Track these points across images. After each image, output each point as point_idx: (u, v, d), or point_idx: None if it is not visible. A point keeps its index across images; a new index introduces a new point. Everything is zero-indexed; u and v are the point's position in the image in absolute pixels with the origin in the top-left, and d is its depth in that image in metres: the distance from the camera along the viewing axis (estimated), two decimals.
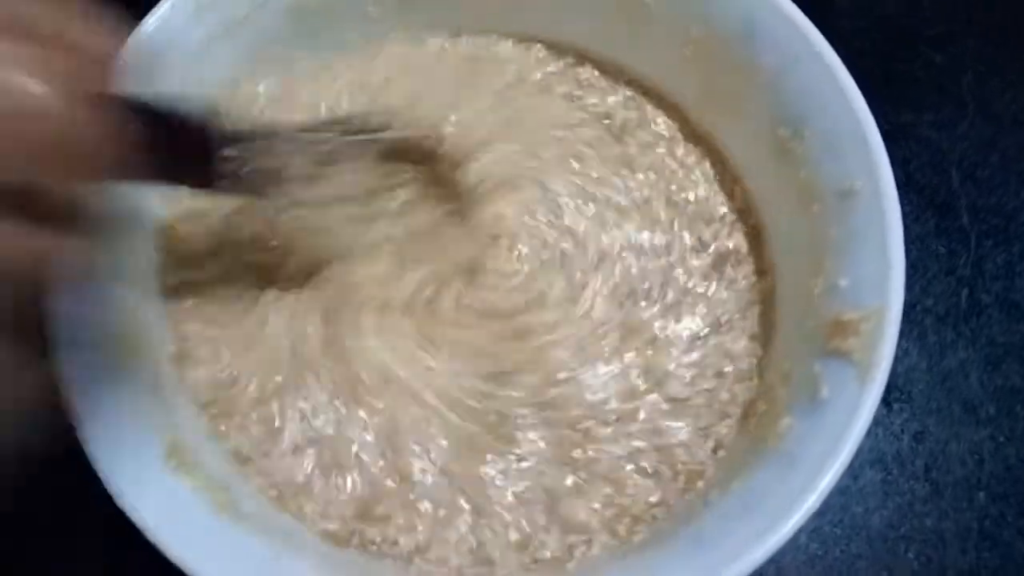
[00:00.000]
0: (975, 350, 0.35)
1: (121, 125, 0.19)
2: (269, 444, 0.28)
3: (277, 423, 0.28)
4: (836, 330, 0.26)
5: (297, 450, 0.28)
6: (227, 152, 0.23)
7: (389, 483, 0.28)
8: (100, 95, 0.19)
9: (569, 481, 0.28)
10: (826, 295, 0.27)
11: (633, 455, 0.28)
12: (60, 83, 0.17)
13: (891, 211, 0.26)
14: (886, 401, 0.34)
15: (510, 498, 0.28)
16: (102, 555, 0.31)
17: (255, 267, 0.30)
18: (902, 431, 0.34)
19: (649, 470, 0.28)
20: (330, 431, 0.28)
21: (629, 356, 0.29)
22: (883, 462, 0.34)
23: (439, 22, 0.35)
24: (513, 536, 0.27)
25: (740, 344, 0.30)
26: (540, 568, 0.27)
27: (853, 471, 0.33)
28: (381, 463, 0.28)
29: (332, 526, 0.27)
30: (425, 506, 0.28)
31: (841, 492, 0.33)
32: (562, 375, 0.29)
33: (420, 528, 0.27)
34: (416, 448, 0.28)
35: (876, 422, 0.34)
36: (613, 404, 0.29)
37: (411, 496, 0.28)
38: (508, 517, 0.28)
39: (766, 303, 0.31)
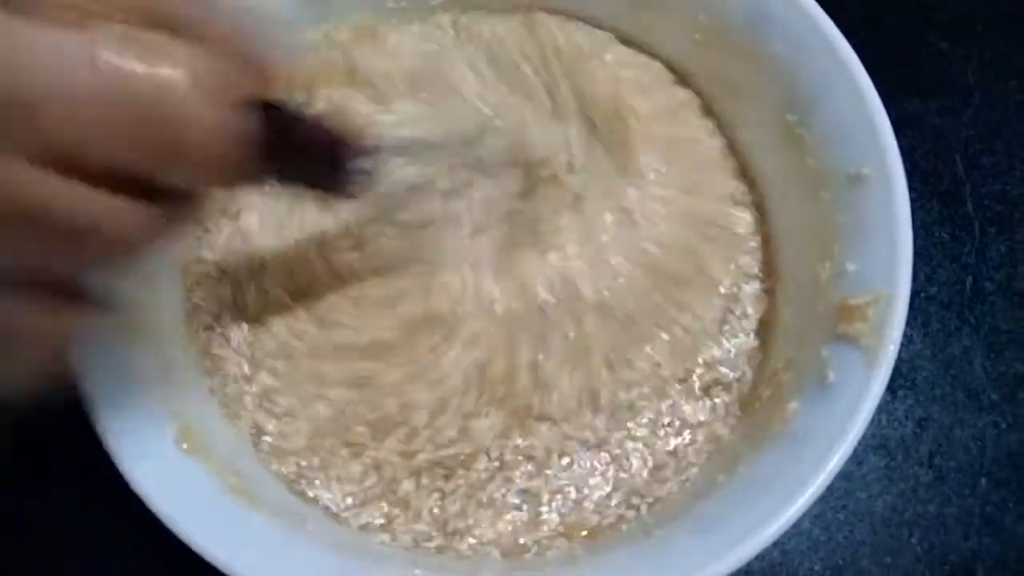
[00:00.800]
0: (979, 337, 0.35)
1: (259, 135, 0.19)
2: (282, 427, 0.28)
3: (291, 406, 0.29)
4: (843, 315, 0.26)
5: (311, 434, 0.28)
6: (361, 164, 0.23)
7: (402, 468, 0.28)
8: (244, 102, 0.19)
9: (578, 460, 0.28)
10: (834, 280, 0.27)
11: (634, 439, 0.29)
12: (205, 83, 0.18)
13: (899, 197, 0.26)
14: (890, 388, 0.34)
15: (530, 480, 0.28)
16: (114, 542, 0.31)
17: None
18: (906, 417, 0.34)
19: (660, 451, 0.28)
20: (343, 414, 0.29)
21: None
22: (887, 448, 0.34)
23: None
24: (522, 517, 0.28)
25: (745, 332, 0.30)
26: (548, 553, 0.27)
27: (857, 457, 0.34)
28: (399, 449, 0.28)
29: (344, 510, 0.27)
30: (443, 492, 0.28)
31: (845, 478, 0.33)
32: None
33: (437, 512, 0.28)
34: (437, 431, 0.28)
35: (880, 409, 0.34)
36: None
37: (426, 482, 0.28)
38: (529, 496, 0.28)
39: (771, 291, 0.31)
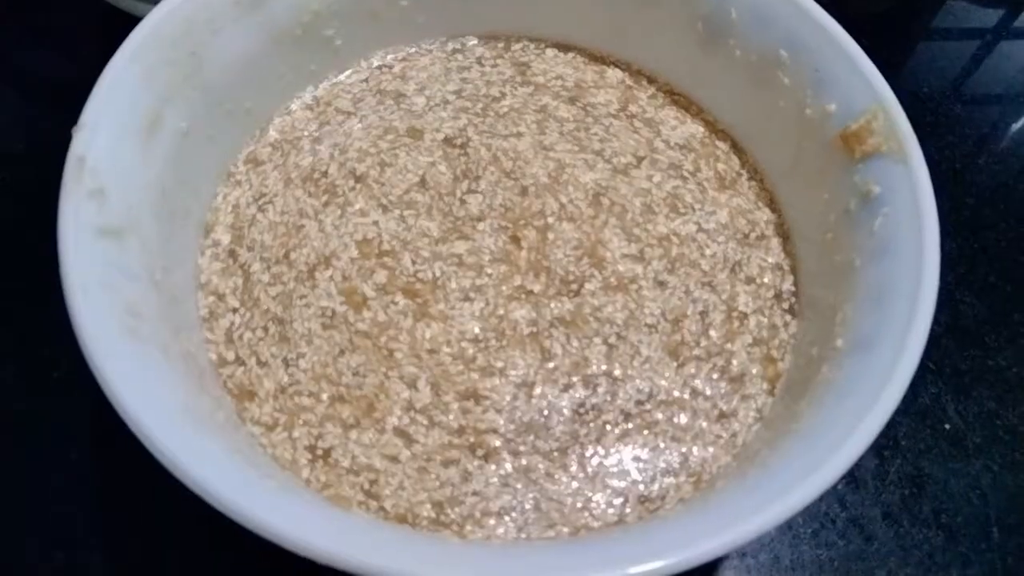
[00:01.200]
0: (943, 382, 0.34)
1: None
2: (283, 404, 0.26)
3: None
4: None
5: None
6: None
7: (405, 453, 0.25)
8: None
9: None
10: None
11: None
12: None
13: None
14: (875, 450, 0.32)
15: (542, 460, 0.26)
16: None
17: None
18: (900, 479, 0.32)
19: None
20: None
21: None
22: (892, 516, 0.31)
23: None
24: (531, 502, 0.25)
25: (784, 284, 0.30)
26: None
27: (866, 532, 0.31)
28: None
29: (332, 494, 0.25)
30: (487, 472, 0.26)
31: (860, 558, 0.30)
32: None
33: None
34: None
35: (873, 475, 0.32)
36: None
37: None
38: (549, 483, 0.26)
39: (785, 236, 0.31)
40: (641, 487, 0.26)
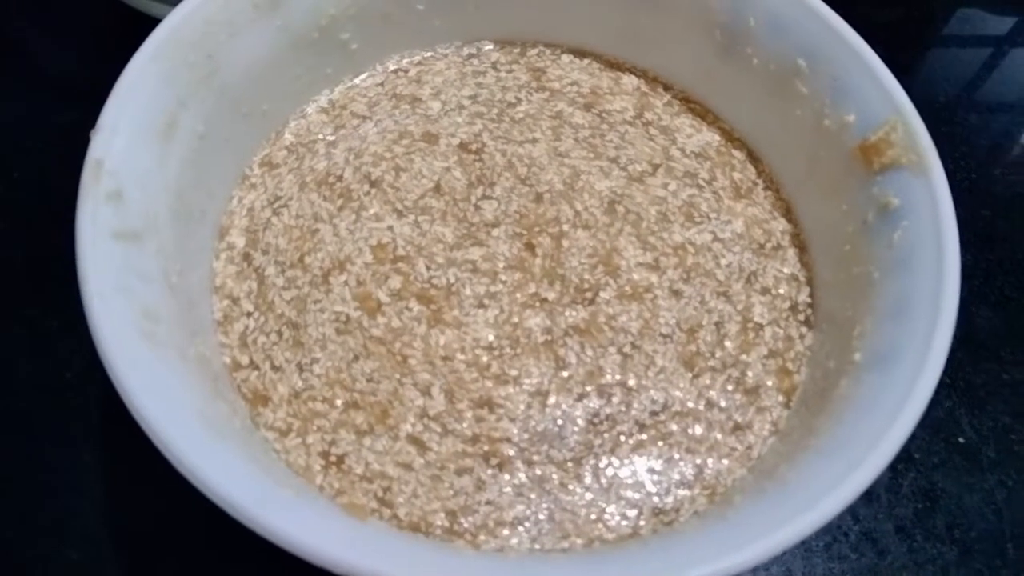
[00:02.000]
0: (957, 395, 0.34)
1: None
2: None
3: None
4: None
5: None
6: None
7: (419, 460, 0.25)
8: None
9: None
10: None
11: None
12: None
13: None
14: (889, 465, 0.32)
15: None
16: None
17: None
18: (913, 493, 0.32)
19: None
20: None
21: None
22: (905, 530, 0.31)
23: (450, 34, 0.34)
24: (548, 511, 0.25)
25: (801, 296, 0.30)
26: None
27: (879, 546, 0.31)
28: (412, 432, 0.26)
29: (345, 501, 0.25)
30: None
31: (872, 572, 0.30)
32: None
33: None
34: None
35: (886, 488, 0.32)
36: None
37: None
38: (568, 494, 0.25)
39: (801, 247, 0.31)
40: (655, 499, 0.25)
